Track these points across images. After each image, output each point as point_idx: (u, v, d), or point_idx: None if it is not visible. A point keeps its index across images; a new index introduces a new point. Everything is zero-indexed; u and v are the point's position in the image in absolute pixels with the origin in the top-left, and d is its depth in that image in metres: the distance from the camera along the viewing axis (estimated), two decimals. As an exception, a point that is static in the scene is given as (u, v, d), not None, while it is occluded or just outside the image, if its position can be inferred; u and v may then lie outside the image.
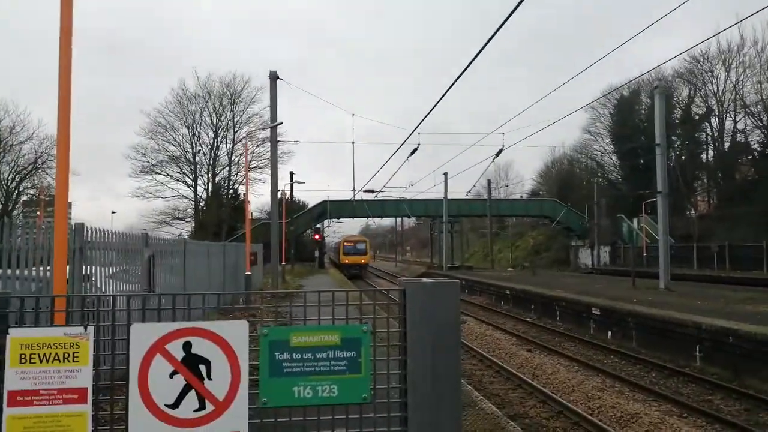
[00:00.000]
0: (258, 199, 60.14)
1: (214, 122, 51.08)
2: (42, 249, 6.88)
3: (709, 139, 46.12)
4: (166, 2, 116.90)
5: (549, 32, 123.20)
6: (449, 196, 47.94)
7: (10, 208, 45.78)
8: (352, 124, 67.50)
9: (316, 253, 50.52)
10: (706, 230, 39.27)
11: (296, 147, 62.44)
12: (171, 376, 2.06)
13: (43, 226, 7.45)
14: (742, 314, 14.65)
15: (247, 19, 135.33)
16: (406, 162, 27.28)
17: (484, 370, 14.07)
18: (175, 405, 2.06)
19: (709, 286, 24.50)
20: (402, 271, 61.61)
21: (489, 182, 53.76)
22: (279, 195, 26.28)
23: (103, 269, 8.26)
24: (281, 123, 24.08)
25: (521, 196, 65.05)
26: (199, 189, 51.42)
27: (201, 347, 2.09)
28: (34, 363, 2.02)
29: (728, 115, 44.06)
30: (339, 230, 68.14)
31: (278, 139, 25.79)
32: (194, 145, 50.90)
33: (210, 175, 51.36)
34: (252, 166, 47.71)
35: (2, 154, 45.61)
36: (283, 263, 31.98)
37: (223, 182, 51.86)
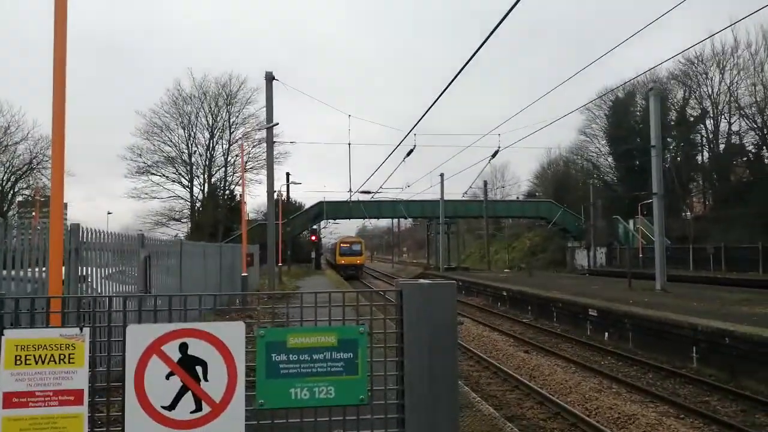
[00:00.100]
0: (254, 200, 60.26)
1: (210, 123, 51.02)
2: (37, 250, 6.85)
3: (704, 140, 46.30)
4: (162, 3, 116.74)
5: (545, 33, 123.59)
6: (446, 198, 47.96)
7: (5, 208, 45.63)
8: (349, 125, 67.53)
9: (313, 255, 50.45)
10: (702, 232, 39.40)
11: (292, 148, 62.56)
12: (167, 377, 2.05)
13: (39, 227, 7.42)
14: (738, 315, 14.70)
15: (242, 19, 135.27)
16: (403, 163, 27.33)
17: (482, 371, 14.07)
18: (172, 406, 2.05)
19: (705, 288, 24.57)
20: (399, 272, 61.65)
21: (485, 183, 53.88)
22: (275, 196, 26.23)
23: (99, 270, 8.23)
24: (277, 124, 24.05)
25: (517, 198, 65.16)
26: (195, 190, 51.38)
27: (197, 348, 2.08)
28: (30, 364, 2.01)
29: (723, 116, 44.26)
30: (336, 231, 68.23)
31: (274, 139, 25.77)
32: (190, 145, 50.84)
33: (206, 175, 51.28)
34: (248, 167, 47.70)
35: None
36: (280, 264, 31.93)
37: (219, 183, 51.80)
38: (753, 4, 11.30)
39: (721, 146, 44.75)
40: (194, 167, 51.03)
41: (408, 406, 2.22)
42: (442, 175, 47.02)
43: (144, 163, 49.47)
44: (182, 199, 51.34)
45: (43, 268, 6.78)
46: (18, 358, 2.00)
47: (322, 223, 56.63)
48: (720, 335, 12.64)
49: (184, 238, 41.49)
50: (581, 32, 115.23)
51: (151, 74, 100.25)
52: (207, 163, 51.20)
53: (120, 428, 2.03)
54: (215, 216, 47.81)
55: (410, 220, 70.98)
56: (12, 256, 6.52)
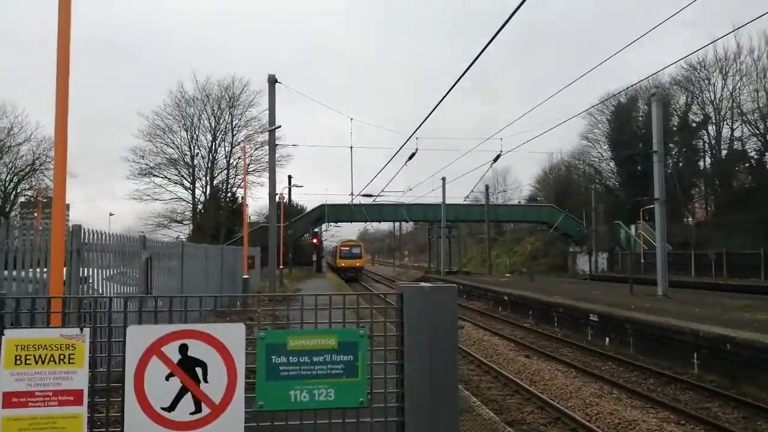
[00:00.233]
0: (256, 202, 60.26)
1: (213, 125, 51.14)
2: (39, 250, 6.86)
3: (707, 146, 46.28)
4: (165, 5, 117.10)
5: (547, 36, 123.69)
6: (447, 201, 47.93)
7: (7, 209, 45.72)
8: (351, 128, 67.61)
9: (314, 257, 50.45)
10: (704, 237, 39.34)
11: (295, 151, 62.72)
12: (167, 378, 2.05)
13: (41, 228, 7.43)
14: (740, 322, 14.66)
15: (245, 21, 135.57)
16: (405, 167, 27.33)
17: (482, 375, 14.04)
18: (171, 408, 2.05)
19: (706, 293, 24.51)
20: (400, 276, 61.61)
21: (487, 187, 53.84)
22: (277, 198, 26.24)
23: (100, 271, 8.24)
24: (279, 126, 24.08)
25: (519, 202, 65.20)
26: (197, 192, 51.43)
27: (197, 350, 2.08)
28: (30, 364, 2.01)
29: (725, 122, 44.26)
30: (337, 234, 68.26)
31: (276, 142, 25.78)
32: (192, 148, 50.94)
33: (208, 178, 51.35)
34: (250, 170, 47.74)
35: (0, 156, 45.59)
36: (281, 267, 31.94)
37: (221, 185, 51.86)
38: (756, 9, 11.31)
39: (724, 152, 44.73)
40: (196, 169, 51.15)
41: (408, 409, 2.22)
42: (443, 178, 47.03)
43: (146, 164, 49.60)
44: (184, 201, 51.45)
45: (45, 269, 6.78)
46: (18, 357, 2.00)
47: (324, 226, 56.70)
48: (721, 341, 12.60)
49: (185, 240, 41.52)
50: (583, 35, 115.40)
51: (154, 75, 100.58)
52: (209, 165, 51.30)
53: (119, 429, 2.03)
54: (217, 218, 47.83)
55: (412, 223, 70.99)
56: (14, 257, 6.53)
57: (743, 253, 33.32)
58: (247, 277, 20.98)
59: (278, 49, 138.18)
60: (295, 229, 48.51)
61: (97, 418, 2.11)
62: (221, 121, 51.13)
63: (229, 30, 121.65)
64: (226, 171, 51.58)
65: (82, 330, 2.06)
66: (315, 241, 50.42)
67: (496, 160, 30.64)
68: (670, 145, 43.95)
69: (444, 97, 13.79)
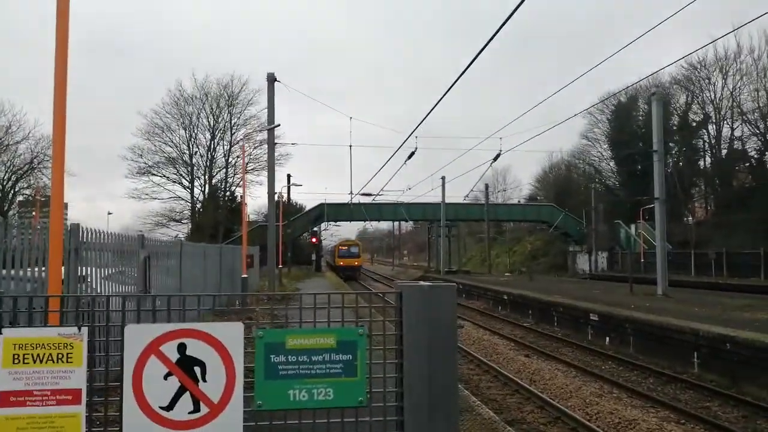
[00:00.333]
0: (255, 201, 60.28)
1: (211, 124, 51.04)
2: (37, 249, 6.85)
3: (707, 145, 46.29)
4: (165, 5, 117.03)
5: (547, 36, 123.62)
6: (447, 201, 47.94)
7: (5, 208, 45.70)
8: (350, 127, 67.53)
9: (313, 257, 50.44)
10: (704, 237, 39.36)
11: (294, 150, 62.67)
12: (165, 377, 2.04)
13: (39, 227, 7.42)
14: (740, 321, 14.67)
15: (245, 21, 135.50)
16: (404, 166, 27.34)
17: (482, 374, 14.04)
18: (170, 407, 2.04)
19: (706, 293, 24.52)
20: (399, 275, 61.63)
21: (486, 187, 53.85)
22: (276, 197, 26.23)
23: (98, 270, 8.23)
24: (278, 125, 24.06)
25: (519, 201, 65.18)
26: (196, 191, 51.36)
27: (196, 349, 2.07)
28: (28, 363, 2.00)
29: (725, 122, 44.28)
30: (336, 233, 68.27)
31: (275, 141, 25.78)
32: (191, 146, 50.85)
33: (207, 177, 51.29)
34: (249, 169, 47.75)
35: (-1, 155, 45.57)
36: (280, 266, 31.92)
37: (219, 184, 51.79)
38: (756, 9, 11.30)
39: (724, 151, 44.75)
40: (195, 168, 51.08)
41: (407, 408, 2.21)
42: (443, 178, 47.05)
43: (145, 163, 49.56)
44: (183, 200, 51.39)
45: (43, 268, 6.77)
46: (16, 356, 1.99)
47: (323, 225, 56.70)
48: (721, 341, 12.60)
49: (184, 239, 41.51)
50: (583, 35, 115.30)
51: (154, 75, 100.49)
52: (208, 164, 51.25)
53: (118, 428, 2.02)
54: (216, 217, 47.79)
55: (411, 222, 70.96)
56: (12, 256, 6.52)
57: (743, 252, 33.35)
58: (245, 276, 20.97)
59: (278, 49, 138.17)
60: (294, 228, 48.50)
61: (95, 418, 2.10)
62: (220, 119, 51.09)
63: (229, 30, 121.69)
64: (224, 170, 51.58)
65: (80, 329, 2.05)
66: (314, 240, 50.42)
67: (495, 159, 30.68)
68: (670, 144, 43.96)
69: (444, 95, 13.79)
